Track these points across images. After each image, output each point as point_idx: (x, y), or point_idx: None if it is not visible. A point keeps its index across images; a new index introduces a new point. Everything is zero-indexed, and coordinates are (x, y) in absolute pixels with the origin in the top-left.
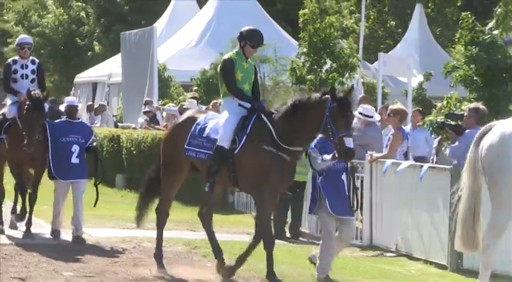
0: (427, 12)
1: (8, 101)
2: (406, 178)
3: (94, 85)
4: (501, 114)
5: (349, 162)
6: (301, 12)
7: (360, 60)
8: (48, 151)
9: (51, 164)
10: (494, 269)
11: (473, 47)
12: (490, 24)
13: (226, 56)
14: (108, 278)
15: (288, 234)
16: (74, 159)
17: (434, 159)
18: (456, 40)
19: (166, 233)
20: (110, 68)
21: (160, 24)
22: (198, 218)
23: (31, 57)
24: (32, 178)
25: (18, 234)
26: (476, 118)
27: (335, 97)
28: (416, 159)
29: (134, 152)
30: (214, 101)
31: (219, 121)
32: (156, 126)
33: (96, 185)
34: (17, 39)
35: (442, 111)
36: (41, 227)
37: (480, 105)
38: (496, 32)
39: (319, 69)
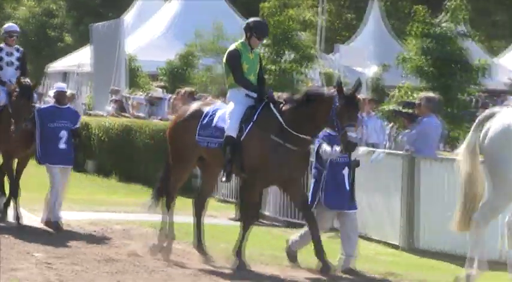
0: (382, 6)
1: None
2: (362, 164)
3: (64, 75)
4: (452, 103)
5: (352, 157)
6: (262, 5)
7: (318, 51)
8: (36, 137)
9: (38, 149)
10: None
11: (426, 38)
12: (441, 17)
13: (231, 47)
14: (78, 259)
15: None
16: (62, 145)
17: (387, 145)
18: (409, 32)
19: (133, 216)
20: (80, 59)
21: (128, 17)
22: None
23: (16, 45)
24: (16, 166)
25: None
26: (429, 106)
27: (343, 93)
28: (370, 146)
29: (103, 139)
30: (179, 89)
31: (226, 111)
32: (124, 114)
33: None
34: (6, 27)
35: (394, 100)
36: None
37: (434, 95)
38: (447, 24)
39: (280, 60)
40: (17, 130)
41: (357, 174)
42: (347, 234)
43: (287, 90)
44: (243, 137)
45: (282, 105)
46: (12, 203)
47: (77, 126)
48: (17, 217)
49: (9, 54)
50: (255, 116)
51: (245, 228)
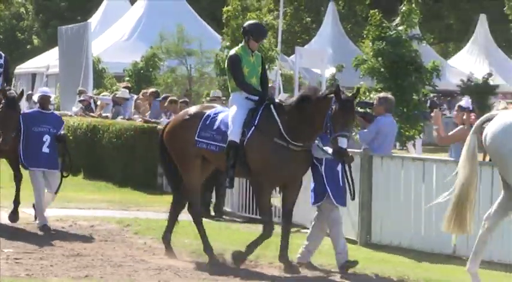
0: (339, 10)
1: None
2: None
3: (33, 76)
4: (406, 103)
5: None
6: (224, 9)
7: (279, 53)
8: (20, 141)
9: (21, 153)
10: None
11: (381, 41)
12: (396, 21)
13: (232, 52)
14: (47, 254)
15: (212, 213)
16: (45, 149)
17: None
18: (365, 35)
19: (99, 213)
20: (48, 60)
21: (94, 20)
22: (130, 198)
23: None
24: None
25: None
26: (385, 106)
27: (339, 98)
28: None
29: (70, 138)
30: (144, 90)
31: (228, 114)
32: (91, 114)
33: (62, 173)
34: None
35: None
36: None
37: (389, 95)
38: (401, 28)
39: None
40: (5, 141)
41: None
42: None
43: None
44: (246, 141)
45: (281, 106)
46: None
47: (62, 132)
48: None
49: None
50: (256, 120)
51: (267, 231)
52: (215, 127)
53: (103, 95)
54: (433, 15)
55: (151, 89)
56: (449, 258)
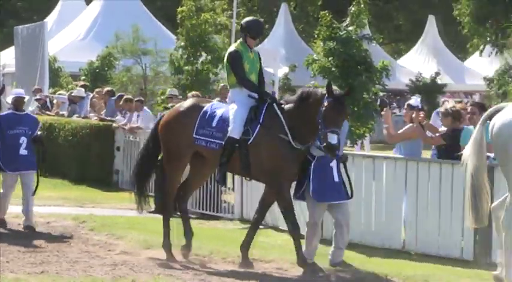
0: (291, 10)
1: None
2: None
3: None
4: (357, 102)
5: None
6: (179, 9)
7: None
8: None
9: None
10: None
11: (331, 41)
12: (346, 22)
13: (231, 48)
14: (3, 251)
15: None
16: (22, 151)
17: None
18: (317, 35)
19: (56, 209)
20: (4, 59)
21: (50, 20)
22: (85, 195)
23: None
24: None
25: None
26: None
27: (331, 94)
28: None
29: None
30: (98, 89)
31: (227, 111)
32: (47, 113)
33: (37, 173)
34: None
35: None
36: None
37: None
38: (351, 28)
39: (195, 61)
40: None
41: None
42: (338, 226)
43: (201, 90)
44: (251, 140)
45: (283, 105)
46: None
47: (38, 133)
48: None
49: None
50: (261, 118)
51: (296, 235)
52: (214, 124)
53: (59, 94)
54: (383, 16)
55: (107, 88)
56: (399, 253)
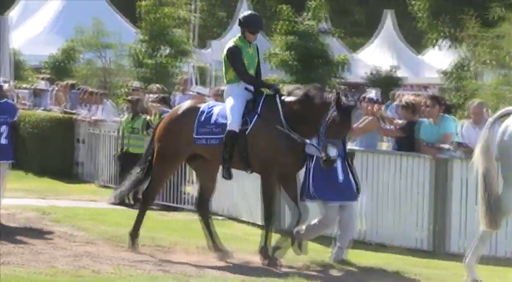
0: (251, 4)
1: None
2: None
3: None
4: None
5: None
6: (138, 3)
7: (192, 47)
8: None
9: None
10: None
11: (290, 35)
12: (304, 16)
13: (230, 43)
14: None
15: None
16: (3, 140)
17: None
18: (276, 29)
19: (19, 201)
20: None
21: (13, 13)
22: (48, 187)
23: None
24: None
25: None
26: None
27: (339, 105)
28: None
29: None
30: (60, 82)
31: (224, 107)
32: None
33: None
34: None
35: None
36: None
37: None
38: (310, 22)
39: (156, 55)
40: None
41: None
42: (343, 225)
43: (163, 83)
44: (248, 131)
45: (284, 97)
46: None
47: (15, 119)
48: None
49: None
50: (259, 109)
51: (269, 228)
52: (213, 121)
53: (20, 89)
54: (341, 10)
55: (68, 81)
56: (358, 244)
